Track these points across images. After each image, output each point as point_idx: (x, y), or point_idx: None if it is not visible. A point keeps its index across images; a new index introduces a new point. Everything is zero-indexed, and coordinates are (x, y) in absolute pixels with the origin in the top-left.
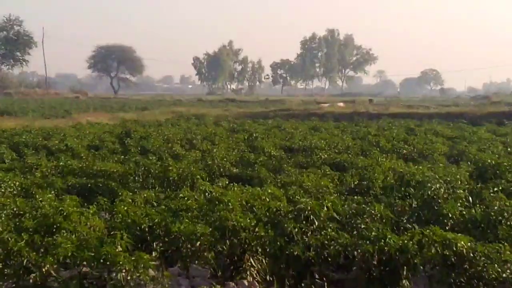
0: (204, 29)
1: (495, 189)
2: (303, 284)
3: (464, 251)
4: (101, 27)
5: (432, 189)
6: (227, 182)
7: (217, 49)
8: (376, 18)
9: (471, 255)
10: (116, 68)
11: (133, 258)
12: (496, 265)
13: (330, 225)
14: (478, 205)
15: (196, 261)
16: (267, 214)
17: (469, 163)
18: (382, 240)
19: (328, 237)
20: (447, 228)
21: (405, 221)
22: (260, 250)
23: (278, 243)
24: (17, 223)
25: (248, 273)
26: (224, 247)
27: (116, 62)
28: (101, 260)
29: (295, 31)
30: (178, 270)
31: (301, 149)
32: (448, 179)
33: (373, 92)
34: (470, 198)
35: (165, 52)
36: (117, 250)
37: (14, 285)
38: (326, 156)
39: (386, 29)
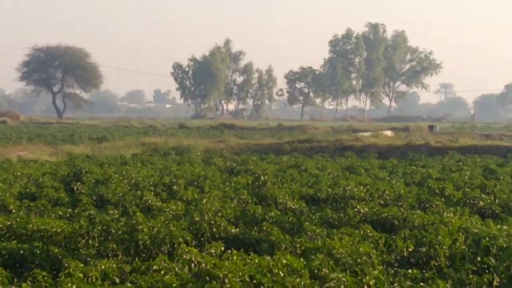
0: (190, 28)
1: None
2: None
3: None
4: (41, 25)
5: None
6: (222, 249)
7: (208, 53)
8: (435, 12)
9: None
10: (61, 80)
11: None
12: None
13: None
14: None
15: None
16: None
17: None
18: None
19: None
20: None
21: None
22: None
23: None
24: None
25: None
26: None
27: (61, 71)
28: None
29: (320, 30)
30: None
31: (330, 199)
32: None
33: (435, 115)
34: None
35: (133, 58)
36: None
37: None
38: (366, 209)
39: (451, 27)
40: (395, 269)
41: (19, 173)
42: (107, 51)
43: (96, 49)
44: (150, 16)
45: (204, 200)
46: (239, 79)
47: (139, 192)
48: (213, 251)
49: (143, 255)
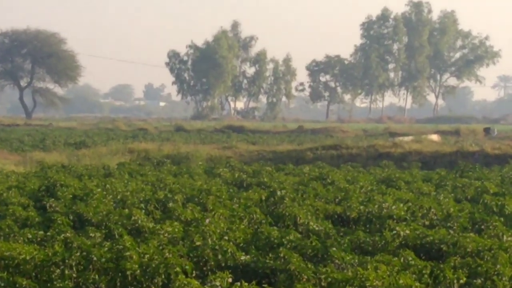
0: (189, 7)
1: None
2: None
3: None
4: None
5: None
6: (230, 280)
7: (211, 38)
8: None
9: None
10: (30, 71)
11: None
12: None
13: None
14: None
15: None
16: None
17: None
18: None
19: None
20: None
21: None
22: None
23: None
24: None
25: None
26: None
27: (29, 61)
28: None
29: (349, 10)
30: None
31: (363, 219)
32: None
33: (492, 115)
34: None
35: (119, 44)
36: None
37: None
38: (407, 232)
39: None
40: None
41: None
42: (87, 36)
43: (73, 34)
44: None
45: (207, 221)
46: (250, 70)
47: (126, 210)
48: (218, 283)
49: None
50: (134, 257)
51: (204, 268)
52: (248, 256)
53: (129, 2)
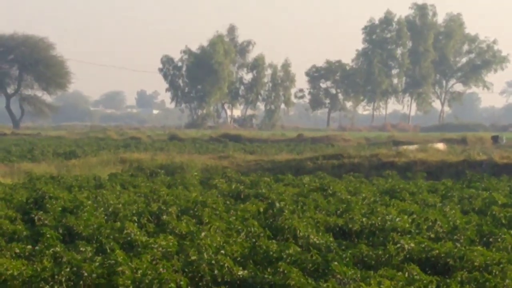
0: (184, 11)
1: None
2: None
3: None
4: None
5: None
6: None
7: (207, 43)
8: None
9: None
10: (18, 78)
11: None
12: None
13: None
14: None
15: None
16: None
17: None
18: None
19: None
20: None
21: None
22: None
23: None
24: None
25: None
26: None
27: (17, 67)
28: None
29: (351, 13)
30: None
31: (366, 232)
32: None
33: (500, 122)
34: None
35: (110, 50)
36: None
37: None
38: (412, 245)
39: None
40: None
41: None
42: (77, 41)
43: (63, 39)
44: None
45: (203, 234)
46: (247, 76)
47: (118, 223)
48: None
49: None
50: (127, 272)
51: (200, 284)
52: (245, 271)
53: (120, 5)
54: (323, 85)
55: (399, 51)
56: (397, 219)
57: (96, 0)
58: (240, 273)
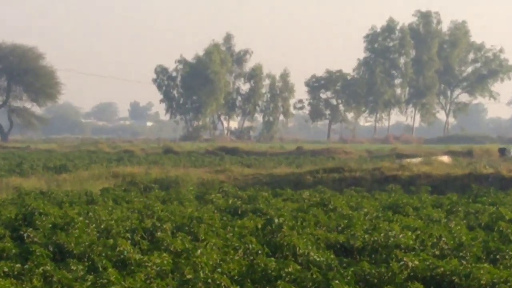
0: (178, 20)
1: None
2: None
3: None
4: None
5: None
6: None
7: (202, 52)
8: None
9: None
10: (6, 89)
11: None
12: None
13: None
14: None
15: None
16: None
17: None
18: None
19: None
20: None
21: None
22: None
23: None
24: None
25: None
26: None
27: (5, 77)
28: None
29: (352, 20)
30: None
31: (368, 249)
32: None
33: (507, 134)
34: None
35: (102, 60)
36: None
37: None
38: (416, 263)
39: None
40: None
41: None
42: (67, 51)
43: (52, 49)
44: (125, 3)
45: (199, 251)
46: (245, 87)
47: (111, 240)
48: None
49: None
50: None
51: None
52: None
53: (112, 13)
54: (323, 95)
55: (402, 60)
56: (401, 235)
57: (86, 9)
58: None
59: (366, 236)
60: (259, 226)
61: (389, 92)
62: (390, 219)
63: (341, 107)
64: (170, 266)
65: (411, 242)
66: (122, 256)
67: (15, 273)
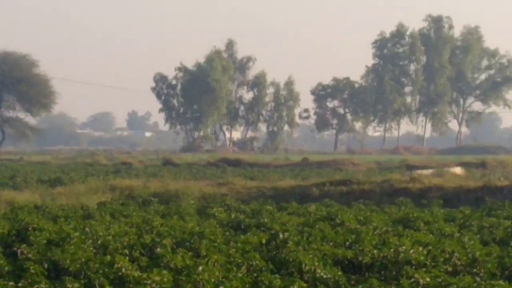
0: (179, 26)
1: None
2: None
3: None
4: None
5: None
6: None
7: (203, 59)
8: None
9: None
10: None
11: None
12: None
13: None
14: None
15: None
16: None
17: None
18: None
19: None
20: None
21: None
22: None
23: None
24: None
25: None
26: None
27: None
28: None
29: (359, 26)
30: None
31: (377, 265)
32: None
33: None
34: None
35: (98, 68)
36: None
37: None
38: (428, 279)
39: None
40: None
41: None
42: (62, 58)
43: (46, 56)
44: (124, 5)
45: (200, 268)
46: (248, 95)
47: (108, 257)
48: None
49: None
50: None
51: None
52: None
53: (108, 20)
54: (329, 104)
55: (412, 67)
56: (411, 251)
57: (81, 15)
58: None
59: (375, 251)
60: (263, 241)
61: (399, 100)
62: (400, 234)
63: (349, 116)
64: (170, 283)
65: (422, 258)
66: (120, 274)
67: None
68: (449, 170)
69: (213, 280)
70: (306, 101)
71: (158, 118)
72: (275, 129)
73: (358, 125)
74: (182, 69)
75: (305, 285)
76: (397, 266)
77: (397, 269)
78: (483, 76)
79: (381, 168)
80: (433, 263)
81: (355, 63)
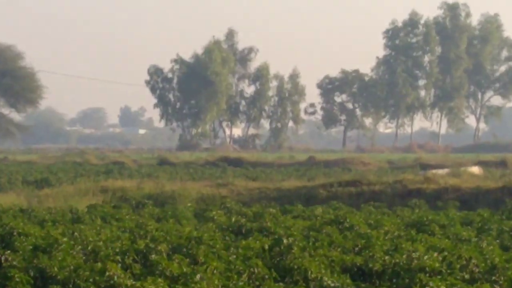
0: (175, 16)
1: None
2: None
3: None
4: None
5: None
6: None
7: (202, 50)
8: None
9: None
10: None
11: None
12: None
13: None
14: None
15: None
16: None
17: None
18: None
19: None
20: None
21: None
22: None
23: None
24: None
25: None
26: None
27: None
28: None
29: (369, 14)
30: None
31: (388, 272)
32: None
33: None
34: None
35: (88, 60)
36: None
37: None
38: None
39: None
40: None
41: None
42: (49, 49)
43: (33, 48)
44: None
45: (198, 276)
46: (249, 89)
47: (99, 264)
48: None
49: None
50: None
51: None
52: None
53: (99, 9)
54: (337, 99)
55: (426, 58)
56: (425, 257)
57: (70, 4)
58: None
59: (386, 258)
60: (266, 247)
61: (412, 94)
62: (413, 239)
63: (358, 111)
64: None
65: (437, 264)
66: (111, 282)
67: None
68: (466, 170)
69: None
70: (312, 96)
71: (153, 114)
72: (279, 125)
73: (368, 121)
74: (179, 61)
75: None
76: (410, 274)
77: (410, 277)
78: (502, 68)
79: (393, 168)
80: (449, 271)
81: (365, 54)
